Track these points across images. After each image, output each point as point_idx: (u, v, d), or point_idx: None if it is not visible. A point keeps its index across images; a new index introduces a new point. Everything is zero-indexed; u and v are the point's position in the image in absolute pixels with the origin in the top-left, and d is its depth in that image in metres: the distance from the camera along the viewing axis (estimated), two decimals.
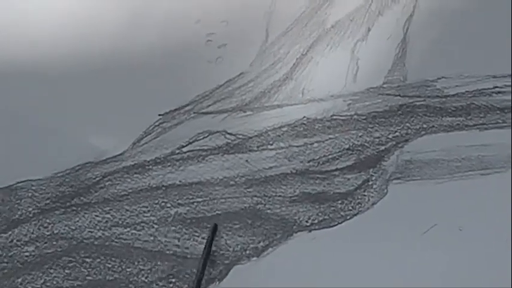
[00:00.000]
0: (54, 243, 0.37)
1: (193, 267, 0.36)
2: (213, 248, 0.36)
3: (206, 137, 0.37)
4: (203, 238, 0.36)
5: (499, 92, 0.37)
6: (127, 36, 0.40)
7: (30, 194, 0.38)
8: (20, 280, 0.37)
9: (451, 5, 0.39)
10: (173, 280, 0.37)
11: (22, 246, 0.37)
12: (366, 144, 0.37)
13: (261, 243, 0.37)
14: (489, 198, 0.37)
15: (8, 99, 0.41)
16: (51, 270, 0.37)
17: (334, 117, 0.37)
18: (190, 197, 0.38)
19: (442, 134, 0.36)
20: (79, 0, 0.43)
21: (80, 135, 0.37)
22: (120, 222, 0.38)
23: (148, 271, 0.37)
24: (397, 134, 0.38)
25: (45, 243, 0.37)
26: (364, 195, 0.38)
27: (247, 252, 0.37)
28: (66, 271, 0.37)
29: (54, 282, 0.37)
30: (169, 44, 0.37)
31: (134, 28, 0.39)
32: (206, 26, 0.35)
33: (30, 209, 0.38)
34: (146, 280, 0.37)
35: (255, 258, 0.36)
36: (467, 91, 0.37)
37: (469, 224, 0.36)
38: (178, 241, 0.37)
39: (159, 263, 0.37)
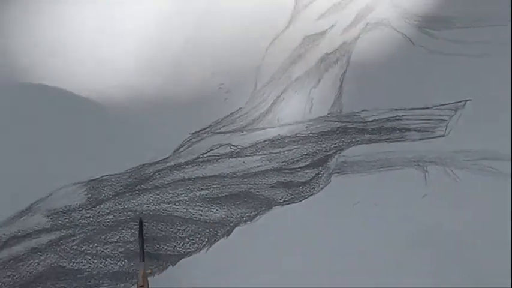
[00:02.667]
0: (125, 213, 0.50)
1: (210, 228, 0.51)
2: (223, 215, 0.51)
3: (218, 148, 0.50)
4: (217, 210, 0.50)
5: (399, 120, 0.52)
6: (174, 82, 0.54)
7: (109, 183, 0.51)
8: (103, 237, 0.51)
9: (370, 64, 0.54)
10: (198, 236, 0.51)
11: (105, 216, 0.51)
12: (317, 151, 0.50)
13: (253, 213, 0.50)
14: (393, 184, 0.49)
15: (96, 117, 0.55)
16: (123, 231, 0.51)
17: (297, 135, 0.50)
18: (209, 185, 0.51)
19: (364, 145, 0.45)
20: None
21: (140, 147, 0.51)
22: (165, 200, 0.50)
23: (183, 230, 0.51)
24: (336, 145, 0.49)
25: (119, 213, 0.51)
26: (316, 183, 0.50)
27: (244, 218, 0.49)
28: (132, 231, 0.52)
29: (125, 238, 0.52)
30: (196, 90, 0.51)
31: (179, 78, 0.54)
32: (218, 79, 0.49)
33: (110, 192, 0.50)
34: (182, 236, 0.51)
35: (249, 222, 0.49)
36: (379, 118, 0.49)
37: (381, 202, 0.50)
38: (202, 212, 0.51)
39: (189, 225, 0.51)
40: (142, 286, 0.47)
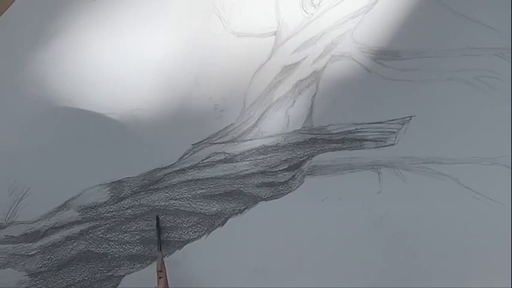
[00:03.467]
0: (141, 208, 0.57)
1: (208, 219, 0.56)
2: (219, 209, 0.60)
3: (215, 155, 0.56)
4: (213, 205, 0.59)
5: (358, 132, 0.61)
6: (179, 104, 0.62)
7: (128, 184, 0.58)
8: (123, 227, 0.60)
9: (335, 88, 0.56)
10: (199, 226, 0.60)
11: (125, 210, 0.58)
12: (293, 158, 0.56)
13: (242, 207, 0.56)
14: (354, 183, 0.52)
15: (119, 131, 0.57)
16: (139, 222, 0.58)
17: (277, 145, 0.53)
18: (207, 185, 0.59)
19: (330, 152, 0.50)
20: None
21: (153, 155, 0.54)
22: (173, 197, 0.57)
23: (187, 221, 0.59)
24: (308, 152, 0.55)
25: (136, 208, 0.59)
26: (293, 183, 0.57)
27: (235, 211, 0.56)
28: (146, 222, 0.60)
29: (141, 228, 0.60)
30: (197, 110, 0.60)
31: (183, 102, 0.63)
32: (214, 101, 0.58)
33: (128, 191, 0.57)
34: (186, 226, 0.59)
35: (239, 214, 0.54)
36: (342, 131, 0.54)
37: (344, 197, 0.59)
38: (202, 207, 0.60)
39: (192, 217, 0.60)
40: (160, 271, 0.56)
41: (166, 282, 0.52)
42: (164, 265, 0.52)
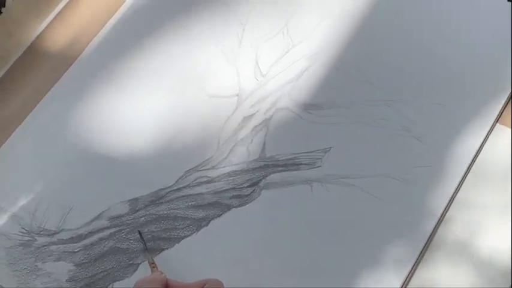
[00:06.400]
0: (150, 216, 0.70)
1: (196, 222, 0.67)
2: (204, 215, 0.78)
3: (200, 178, 0.76)
4: (200, 212, 0.77)
5: (297, 159, 0.81)
6: (175, 146, 0.76)
7: (142, 200, 0.71)
8: (139, 230, 0.78)
9: (279, 130, 0.71)
10: (191, 226, 0.75)
11: (139, 218, 0.66)
12: (253, 178, 0.62)
13: (220, 213, 0.59)
14: (294, 194, 0.67)
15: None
16: (150, 225, 0.75)
17: (242, 169, 0.65)
18: (195, 199, 0.74)
19: (278, 173, 0.66)
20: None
21: (157, 180, 0.70)
22: (172, 208, 0.66)
23: (183, 224, 0.76)
24: (263, 174, 0.65)
25: (148, 216, 0.68)
26: (254, 195, 0.65)
27: (215, 216, 0.62)
28: (154, 225, 0.76)
29: (151, 230, 0.67)
30: (187, 148, 0.80)
31: (179, 146, 0.85)
32: (198, 142, 0.81)
33: (141, 205, 0.69)
34: (182, 227, 0.77)
35: (218, 218, 0.64)
36: (285, 158, 0.64)
37: (287, 203, 0.78)
38: (192, 214, 0.77)
39: (185, 221, 0.76)
40: (153, 263, 0.66)
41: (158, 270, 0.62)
42: (154, 260, 0.67)
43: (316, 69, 0.70)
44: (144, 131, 0.73)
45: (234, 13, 0.72)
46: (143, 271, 0.66)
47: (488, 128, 0.60)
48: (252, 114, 0.74)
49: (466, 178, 0.63)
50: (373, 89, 0.71)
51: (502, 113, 0.61)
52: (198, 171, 0.72)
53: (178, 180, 0.71)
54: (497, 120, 0.61)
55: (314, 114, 0.73)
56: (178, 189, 0.71)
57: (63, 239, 0.71)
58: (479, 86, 0.62)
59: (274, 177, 0.70)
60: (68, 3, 0.75)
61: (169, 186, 0.71)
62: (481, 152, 0.62)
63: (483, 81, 0.62)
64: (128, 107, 0.74)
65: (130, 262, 0.67)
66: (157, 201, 0.71)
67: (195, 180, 0.72)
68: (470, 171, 0.63)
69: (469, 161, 0.60)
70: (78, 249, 0.68)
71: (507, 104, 0.61)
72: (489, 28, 0.63)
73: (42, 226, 0.71)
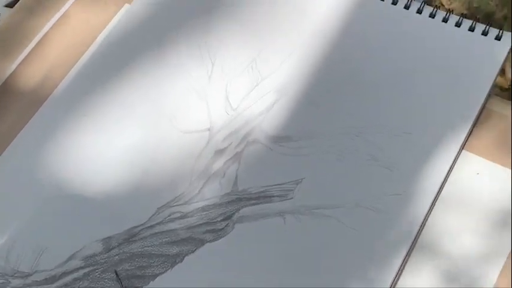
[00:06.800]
0: (124, 254, 0.65)
1: (171, 259, 0.67)
2: (178, 251, 0.78)
3: (174, 214, 0.74)
4: (174, 248, 0.78)
5: (268, 191, 0.83)
6: (149, 183, 0.86)
7: (115, 239, 0.72)
8: (113, 268, 0.80)
9: (250, 162, 0.72)
10: (166, 263, 0.71)
11: (113, 256, 0.65)
12: (226, 212, 0.63)
13: (194, 248, 0.62)
14: (267, 225, 0.68)
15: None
16: (125, 263, 0.73)
17: (215, 203, 0.62)
18: (169, 235, 0.71)
19: (250, 207, 0.64)
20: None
21: (130, 217, 0.69)
22: (146, 245, 0.65)
23: (157, 261, 0.70)
24: (235, 208, 0.63)
25: (122, 255, 0.68)
26: (227, 229, 0.66)
27: (190, 251, 0.65)
28: (129, 263, 0.76)
29: (125, 268, 0.72)
30: (164, 183, 0.81)
31: (152, 183, 0.82)
32: (169, 178, 0.81)
33: (115, 243, 0.69)
34: (156, 264, 0.73)
35: (192, 253, 0.63)
36: (257, 191, 0.65)
37: (261, 234, 0.80)
38: (166, 250, 0.72)
39: (160, 258, 0.70)
40: None
41: None
42: None
43: (286, 101, 0.72)
44: (116, 168, 0.76)
45: (203, 48, 0.74)
46: None
47: (454, 155, 0.62)
48: (224, 148, 0.75)
49: (435, 205, 0.64)
50: (342, 119, 0.73)
51: (467, 140, 0.63)
52: (170, 207, 0.73)
53: (151, 217, 0.73)
54: (462, 147, 0.62)
55: (285, 146, 0.74)
56: (152, 226, 0.73)
57: (37, 281, 0.71)
58: (445, 114, 0.64)
59: (247, 210, 0.72)
60: (38, 42, 0.76)
61: (143, 224, 0.72)
62: (449, 179, 0.63)
63: (448, 109, 0.64)
64: (101, 143, 0.76)
65: None
66: (131, 239, 0.72)
67: (168, 216, 0.73)
68: (439, 198, 0.64)
69: (437, 188, 0.61)
70: None
71: (471, 131, 0.63)
72: (452, 57, 0.66)
73: (16, 268, 0.71)
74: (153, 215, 0.74)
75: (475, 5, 1.07)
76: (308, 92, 0.72)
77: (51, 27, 0.82)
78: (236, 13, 0.72)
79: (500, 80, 0.92)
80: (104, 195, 0.75)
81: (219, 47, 0.73)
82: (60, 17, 0.84)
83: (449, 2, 1.13)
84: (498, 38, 0.62)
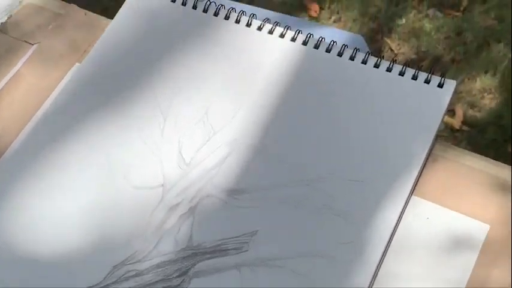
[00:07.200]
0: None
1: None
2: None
3: (129, 272, 0.72)
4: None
5: (224, 245, 0.83)
6: (104, 237, 0.83)
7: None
8: None
9: (203, 217, 0.72)
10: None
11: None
12: (182, 267, 0.60)
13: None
14: (225, 277, 0.67)
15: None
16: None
17: (170, 259, 0.63)
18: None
19: (206, 261, 0.65)
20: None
21: (82, 278, 0.69)
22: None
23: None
24: (191, 262, 0.62)
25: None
26: (183, 285, 0.62)
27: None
28: None
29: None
30: (115, 242, 0.81)
31: (108, 236, 0.81)
32: (125, 237, 0.81)
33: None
34: None
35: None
36: (212, 245, 0.65)
37: None
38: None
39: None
40: None
41: None
42: None
43: (237, 154, 0.72)
44: (70, 227, 0.76)
45: (155, 102, 0.77)
46: None
47: (404, 201, 0.63)
48: (178, 204, 0.75)
49: (388, 251, 0.65)
50: (294, 170, 0.73)
51: (415, 185, 0.65)
52: (125, 265, 0.72)
53: (106, 276, 0.72)
54: (412, 193, 0.64)
55: (238, 198, 0.75)
56: (107, 286, 0.73)
57: None
58: (393, 161, 0.66)
59: (203, 265, 0.71)
60: None
61: (97, 284, 0.72)
62: (400, 224, 0.65)
63: (396, 157, 0.66)
64: (55, 202, 0.78)
65: None
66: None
67: (123, 275, 0.72)
68: (391, 244, 0.65)
69: (388, 235, 0.62)
70: None
71: (419, 176, 0.65)
72: (398, 106, 0.68)
73: None
74: (109, 273, 0.73)
75: (423, 49, 1.10)
76: (260, 144, 0.76)
77: (3, 88, 0.83)
78: (187, 61, 0.78)
79: (450, 120, 0.95)
80: (58, 256, 0.74)
81: (171, 100, 0.75)
82: (12, 77, 0.85)
83: (398, 47, 1.16)
84: (440, 85, 0.64)
